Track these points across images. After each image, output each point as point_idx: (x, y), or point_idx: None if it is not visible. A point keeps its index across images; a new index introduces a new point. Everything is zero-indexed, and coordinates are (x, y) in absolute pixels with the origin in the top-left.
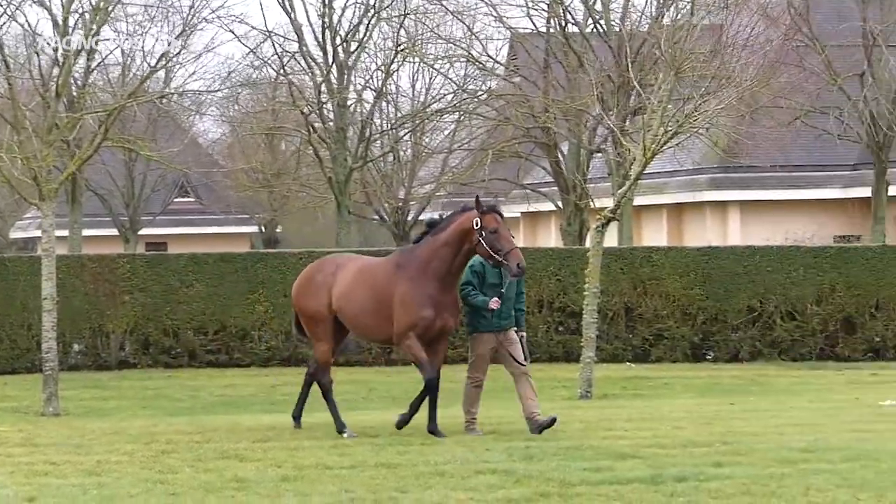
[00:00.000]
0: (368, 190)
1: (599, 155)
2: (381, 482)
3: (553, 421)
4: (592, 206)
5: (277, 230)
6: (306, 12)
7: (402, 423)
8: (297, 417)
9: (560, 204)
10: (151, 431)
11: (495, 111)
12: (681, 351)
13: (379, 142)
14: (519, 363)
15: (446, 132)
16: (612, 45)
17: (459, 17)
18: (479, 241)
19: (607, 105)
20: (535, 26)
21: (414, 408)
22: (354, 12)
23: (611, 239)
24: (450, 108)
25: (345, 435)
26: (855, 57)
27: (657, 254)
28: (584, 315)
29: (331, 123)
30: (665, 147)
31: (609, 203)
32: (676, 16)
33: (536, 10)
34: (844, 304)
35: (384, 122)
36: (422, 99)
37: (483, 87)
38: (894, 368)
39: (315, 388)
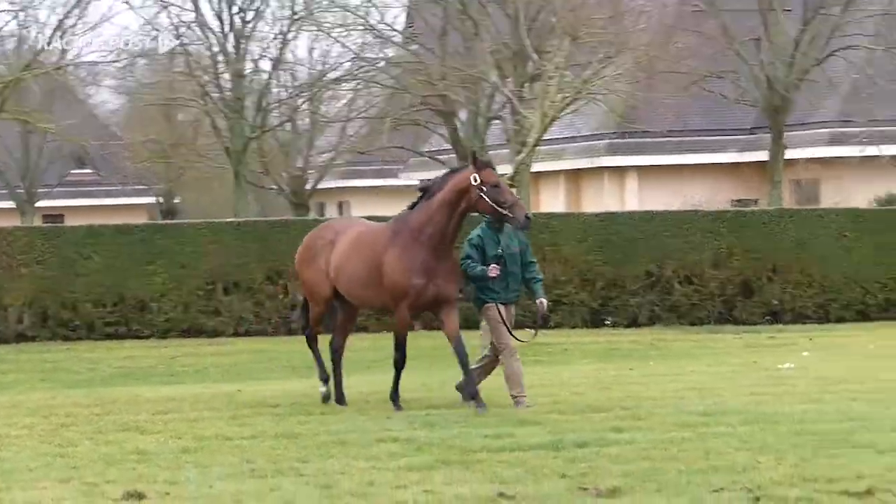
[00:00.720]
0: (266, 159)
1: (497, 122)
2: (282, 452)
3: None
4: None
5: (175, 201)
6: None
7: (466, 389)
8: (339, 399)
9: None
10: (50, 404)
11: (393, 79)
12: (580, 317)
13: (276, 111)
14: (515, 337)
15: (344, 101)
16: (509, 13)
17: None
18: (481, 196)
19: (504, 72)
20: None
21: (395, 387)
22: None
23: None
24: (347, 77)
25: (321, 389)
26: (751, 21)
27: (556, 220)
28: None
29: (228, 93)
30: (563, 113)
31: (507, 170)
32: None
33: None
34: (742, 268)
35: (282, 91)
36: (319, 68)
37: (381, 56)
38: (792, 332)
39: (345, 357)
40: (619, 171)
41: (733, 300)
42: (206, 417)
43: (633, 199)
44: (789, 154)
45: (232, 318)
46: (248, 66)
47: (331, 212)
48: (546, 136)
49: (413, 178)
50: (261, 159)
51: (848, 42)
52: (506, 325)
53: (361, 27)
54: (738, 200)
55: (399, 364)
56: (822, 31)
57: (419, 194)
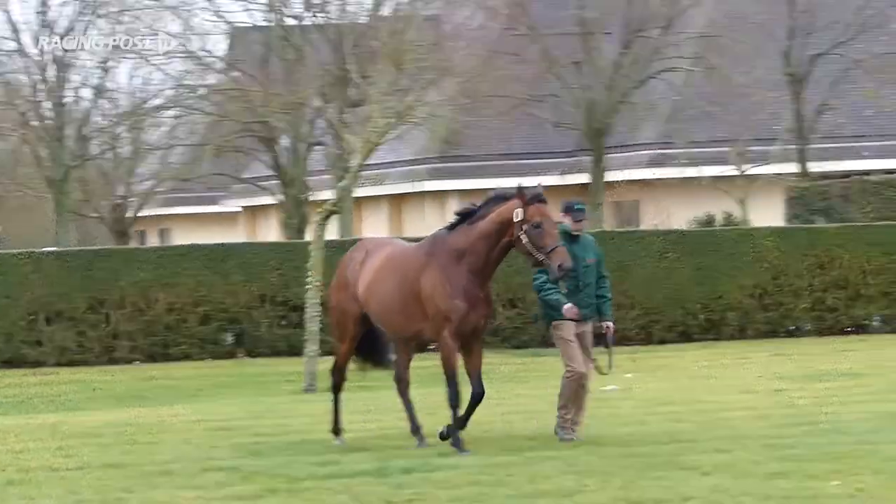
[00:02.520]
0: (88, 188)
1: (319, 148)
2: (108, 483)
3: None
4: (313, 199)
5: None
6: (22, 9)
7: (453, 435)
8: (416, 431)
9: (281, 197)
10: None
11: (215, 106)
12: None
13: (98, 139)
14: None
15: (166, 128)
16: (331, 38)
17: (177, 13)
18: (520, 236)
19: (327, 98)
20: (253, 20)
21: (462, 421)
22: (73, 9)
23: (332, 231)
24: (169, 105)
25: (336, 441)
26: (572, 45)
27: None
28: (306, 309)
29: (49, 122)
30: (385, 139)
31: (330, 195)
32: (396, 8)
33: (254, 4)
34: None
35: (103, 119)
36: (141, 95)
37: (202, 83)
38: (615, 353)
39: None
40: (441, 195)
41: None
42: (32, 449)
43: None
44: (610, 176)
45: (55, 348)
46: (69, 95)
47: (152, 240)
48: (369, 162)
49: (235, 206)
50: (82, 188)
51: (667, 64)
52: (579, 347)
53: (182, 55)
54: (560, 223)
55: (454, 401)
56: (642, 54)
57: (457, 217)
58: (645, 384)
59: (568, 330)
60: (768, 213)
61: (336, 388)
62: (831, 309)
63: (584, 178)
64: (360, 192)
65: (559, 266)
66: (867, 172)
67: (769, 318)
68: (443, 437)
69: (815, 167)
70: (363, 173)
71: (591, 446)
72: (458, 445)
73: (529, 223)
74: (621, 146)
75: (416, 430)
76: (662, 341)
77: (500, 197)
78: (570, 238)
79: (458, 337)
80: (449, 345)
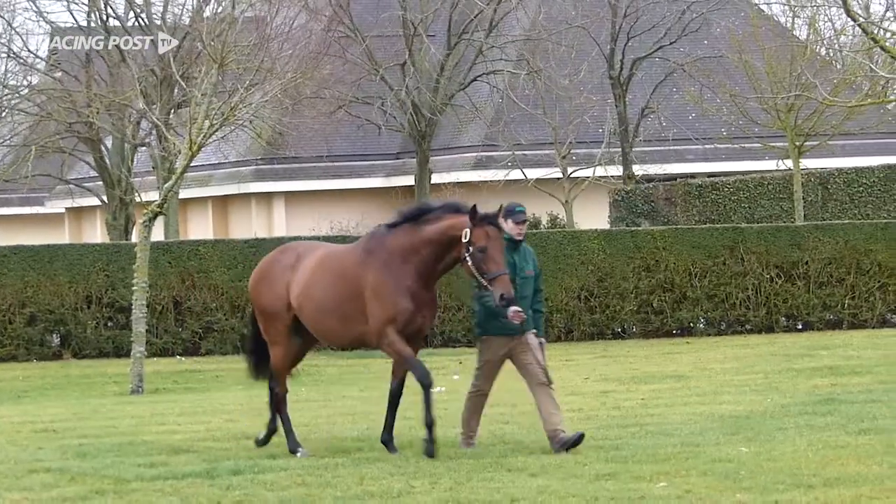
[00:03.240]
0: None
1: (144, 149)
2: None
3: (580, 438)
4: (138, 201)
5: None
6: None
7: (430, 445)
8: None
9: (105, 199)
10: None
11: (37, 106)
12: (230, 343)
13: None
14: (538, 376)
15: None
16: (154, 39)
17: None
18: (466, 257)
19: (151, 99)
20: (76, 20)
21: (430, 418)
22: None
23: (158, 233)
24: None
25: (298, 454)
26: (396, 47)
27: (204, 247)
28: (133, 310)
29: None
30: (210, 140)
31: (155, 197)
32: (218, 9)
33: (77, 4)
34: None
35: None
36: None
37: (24, 83)
38: (442, 355)
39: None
40: (267, 196)
41: None
42: None
43: (280, 224)
44: (436, 178)
45: None
46: None
47: None
48: (193, 163)
49: (59, 207)
50: None
51: (491, 67)
52: (497, 370)
53: (4, 55)
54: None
55: (425, 378)
56: (467, 56)
57: (400, 215)
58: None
59: (492, 350)
60: (593, 216)
61: (278, 402)
62: (657, 311)
63: (409, 180)
64: (185, 193)
65: (501, 296)
66: (691, 175)
67: (595, 320)
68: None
69: (639, 170)
70: (188, 175)
71: (419, 448)
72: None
73: (475, 246)
74: (446, 148)
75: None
76: None
77: (454, 207)
78: (513, 245)
79: (403, 337)
80: (394, 342)
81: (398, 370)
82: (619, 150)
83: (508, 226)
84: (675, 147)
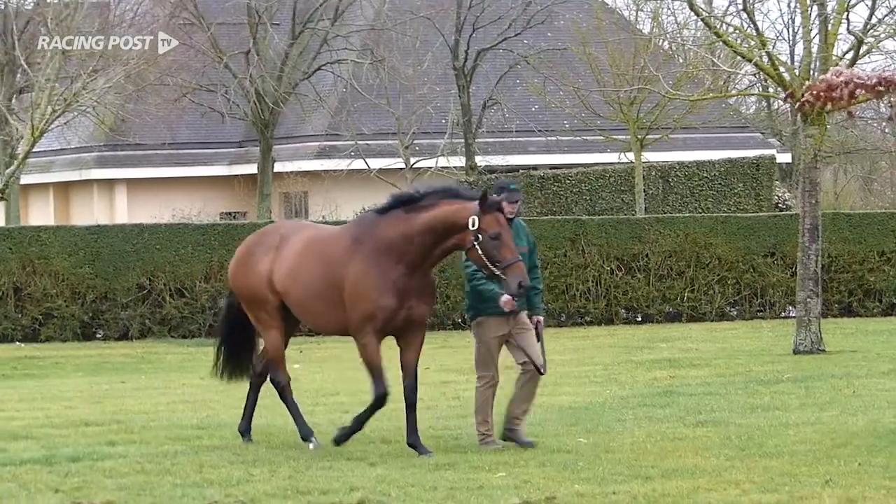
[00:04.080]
0: None
1: None
2: None
3: (530, 445)
4: None
5: None
6: None
7: (342, 438)
8: (245, 432)
9: None
10: None
11: None
12: (71, 330)
13: None
14: (533, 361)
15: None
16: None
17: None
18: (474, 245)
19: None
20: None
21: (359, 422)
22: None
23: None
24: None
25: (311, 445)
26: (241, 34)
27: (45, 233)
28: None
29: None
30: (53, 126)
31: None
32: None
33: None
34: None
35: None
36: None
37: None
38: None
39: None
40: (109, 183)
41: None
42: None
43: (122, 211)
44: (279, 167)
45: None
46: None
47: None
48: (35, 149)
49: None
50: None
51: (336, 56)
52: (497, 353)
53: None
54: (229, 213)
55: (381, 399)
56: (311, 45)
57: (393, 201)
58: (312, 375)
59: (489, 331)
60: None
61: (282, 390)
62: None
63: (252, 168)
64: (26, 179)
65: (519, 284)
66: (533, 167)
67: (436, 310)
68: (337, 441)
69: (481, 161)
70: (30, 160)
71: (258, 436)
72: (418, 446)
73: (487, 233)
74: (290, 137)
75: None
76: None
77: (449, 192)
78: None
79: (381, 333)
80: (370, 343)
81: (409, 370)
82: (462, 140)
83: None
84: (518, 139)
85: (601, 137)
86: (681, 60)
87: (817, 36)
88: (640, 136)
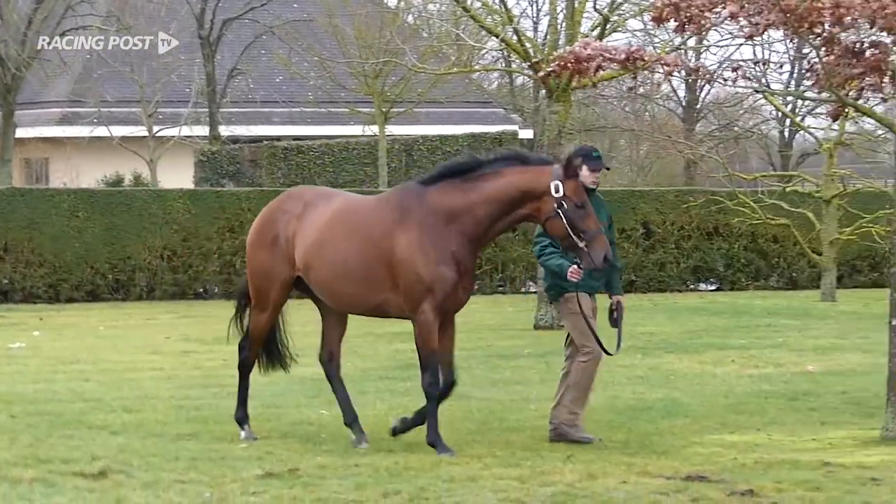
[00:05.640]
0: None
1: None
2: None
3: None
4: None
5: None
6: None
7: (403, 430)
8: (352, 422)
9: None
10: None
11: None
12: None
13: None
14: (602, 347)
15: None
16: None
17: None
18: (558, 213)
19: None
20: None
21: (421, 416)
22: None
23: None
24: None
25: (242, 434)
26: None
27: None
28: None
29: None
30: None
31: None
32: None
33: None
34: None
35: None
36: None
37: None
38: (22, 311)
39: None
40: None
41: None
42: None
43: None
44: (20, 133)
45: None
46: None
47: None
48: None
49: None
50: None
51: (81, 22)
52: (589, 324)
53: None
54: None
55: (433, 387)
56: (56, 10)
57: (442, 169)
58: (52, 342)
59: (582, 303)
60: (178, 176)
61: (245, 368)
62: (239, 273)
63: None
64: None
65: (604, 258)
66: (277, 138)
67: (178, 279)
68: (395, 431)
69: (225, 131)
70: None
71: None
72: (437, 444)
73: (573, 202)
74: (32, 103)
75: (352, 420)
76: (71, 300)
77: (513, 157)
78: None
79: (441, 313)
80: (430, 321)
81: (445, 361)
82: (206, 110)
83: (582, 172)
84: (262, 109)
85: (346, 110)
86: (426, 35)
87: (563, 12)
88: (384, 109)
